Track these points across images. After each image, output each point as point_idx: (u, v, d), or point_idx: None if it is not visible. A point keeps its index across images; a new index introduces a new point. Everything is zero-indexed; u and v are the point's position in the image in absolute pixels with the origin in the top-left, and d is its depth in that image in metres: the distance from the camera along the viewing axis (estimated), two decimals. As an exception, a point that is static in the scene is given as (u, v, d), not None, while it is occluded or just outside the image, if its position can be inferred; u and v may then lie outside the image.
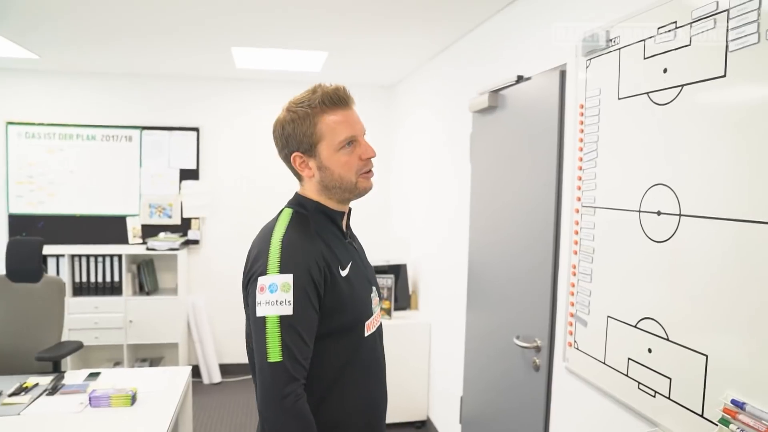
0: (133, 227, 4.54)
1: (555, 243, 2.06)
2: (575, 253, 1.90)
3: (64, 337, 3.00)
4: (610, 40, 1.68)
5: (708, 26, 1.30)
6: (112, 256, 4.27)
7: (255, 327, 1.19)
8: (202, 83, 4.63)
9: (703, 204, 1.32)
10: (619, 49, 1.64)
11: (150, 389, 2.39)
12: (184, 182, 4.62)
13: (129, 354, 4.29)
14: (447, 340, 3.37)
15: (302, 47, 3.46)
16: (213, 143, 4.68)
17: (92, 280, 4.25)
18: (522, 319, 2.30)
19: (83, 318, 4.14)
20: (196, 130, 4.63)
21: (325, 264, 1.23)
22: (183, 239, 4.52)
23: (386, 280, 3.72)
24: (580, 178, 1.87)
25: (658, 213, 1.47)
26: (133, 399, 2.26)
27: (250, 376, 4.70)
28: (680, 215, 1.39)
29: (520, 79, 2.33)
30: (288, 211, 1.32)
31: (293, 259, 1.19)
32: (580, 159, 1.87)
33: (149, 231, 4.54)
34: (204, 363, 4.58)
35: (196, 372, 4.49)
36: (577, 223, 1.89)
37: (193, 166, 4.64)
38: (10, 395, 2.28)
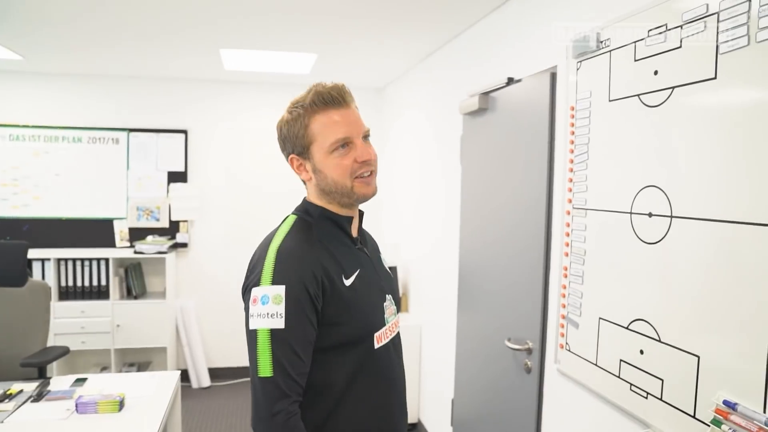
0: (121, 230, 4.49)
1: (546, 245, 2.06)
2: (566, 254, 1.90)
3: (50, 342, 2.95)
4: (601, 42, 1.69)
5: (698, 29, 1.31)
6: (99, 260, 4.21)
7: (248, 340, 1.14)
8: (190, 85, 4.59)
9: (695, 206, 1.32)
10: (610, 51, 1.65)
11: (138, 394, 2.36)
12: (172, 185, 4.58)
13: (116, 359, 4.23)
14: (438, 343, 3.36)
15: (291, 49, 3.44)
16: (201, 145, 4.65)
17: (79, 284, 4.19)
18: (513, 321, 2.30)
19: (69, 322, 4.08)
20: (184, 132, 4.60)
21: (323, 274, 1.16)
22: (171, 242, 4.48)
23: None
24: (571, 180, 1.87)
25: (650, 215, 1.48)
26: (121, 405, 2.22)
27: (240, 380, 4.65)
28: (671, 217, 1.40)
29: (510, 81, 2.33)
30: (292, 218, 1.28)
31: (287, 270, 1.14)
32: (571, 161, 1.87)
33: (137, 234, 4.50)
34: (193, 367, 4.54)
35: (184, 376, 4.44)
36: (568, 225, 1.89)
37: (182, 169, 4.60)
38: (-6, 402, 2.24)
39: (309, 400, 1.16)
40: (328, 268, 1.18)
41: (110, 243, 4.47)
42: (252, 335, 1.12)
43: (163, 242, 4.40)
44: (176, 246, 4.57)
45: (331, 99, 1.20)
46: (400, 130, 4.26)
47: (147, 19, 2.83)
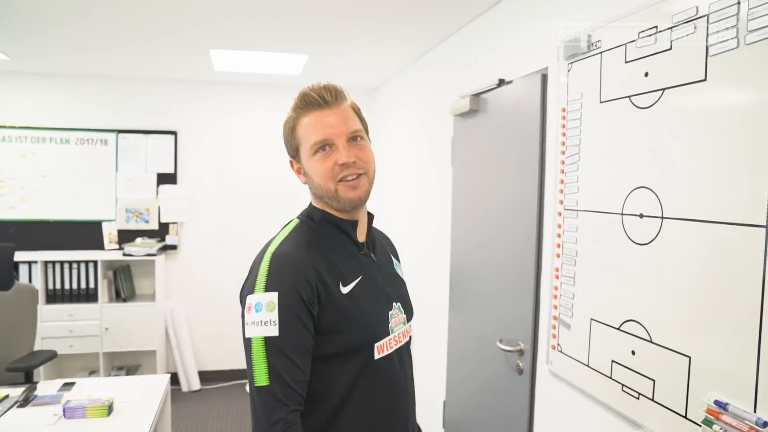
0: (109, 232, 4.45)
1: (538, 246, 2.06)
2: (558, 256, 1.91)
3: (37, 346, 2.92)
4: (592, 44, 1.70)
5: (688, 31, 1.32)
6: (87, 262, 4.16)
7: (244, 348, 1.11)
8: (180, 86, 4.56)
9: (685, 207, 1.33)
10: (601, 52, 1.66)
11: (127, 398, 2.33)
12: (161, 186, 4.54)
13: (105, 362, 4.18)
14: (429, 344, 3.36)
15: (282, 50, 3.43)
16: (191, 147, 4.61)
17: (66, 287, 4.14)
18: (505, 323, 2.30)
19: (57, 326, 4.03)
20: (174, 133, 4.56)
21: (318, 280, 1.12)
22: (161, 244, 4.44)
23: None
24: (562, 182, 1.88)
25: (641, 216, 1.48)
26: (110, 409, 2.20)
27: (230, 383, 4.61)
28: (662, 218, 1.40)
29: (501, 82, 2.34)
30: (294, 222, 1.25)
31: (280, 276, 1.10)
32: (563, 162, 1.87)
33: (126, 236, 4.45)
34: (183, 370, 4.50)
35: (174, 380, 4.40)
36: (559, 226, 1.90)
37: (171, 170, 4.57)
38: (-20, 407, 2.20)
39: (306, 409, 1.13)
40: (324, 274, 1.13)
41: (99, 245, 4.42)
42: (247, 344, 1.09)
43: (153, 244, 4.36)
44: (166, 248, 4.54)
45: (312, 101, 1.17)
46: (392, 131, 4.26)
47: (136, 19, 2.81)
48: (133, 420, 2.16)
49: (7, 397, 2.32)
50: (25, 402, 2.29)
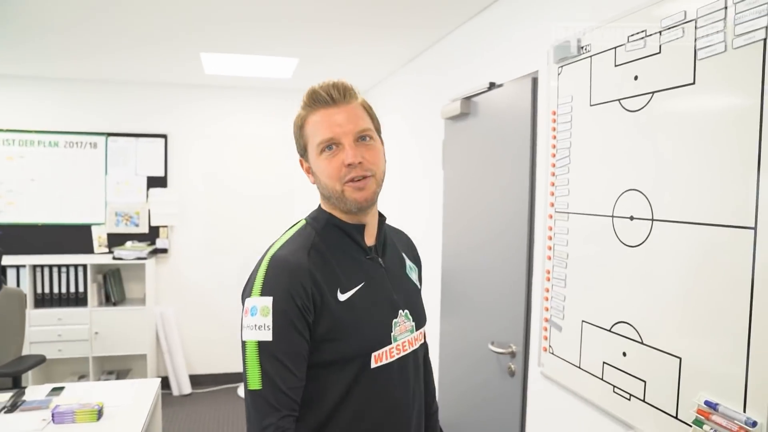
0: (99, 236, 4.41)
1: (529, 249, 2.07)
2: (549, 258, 1.92)
3: (25, 351, 2.89)
4: (582, 48, 1.71)
5: (677, 35, 1.33)
6: (76, 266, 4.13)
7: (241, 352, 1.09)
8: (170, 89, 4.54)
9: (675, 209, 1.34)
10: (591, 56, 1.67)
11: (117, 403, 2.31)
12: (151, 190, 4.52)
13: (95, 367, 4.14)
14: (421, 347, 3.36)
15: (273, 53, 3.43)
16: (182, 150, 4.59)
17: (55, 291, 4.10)
18: (497, 325, 2.31)
19: (46, 330, 3.99)
20: (164, 136, 4.54)
21: (314, 286, 1.09)
22: (151, 248, 4.41)
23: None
24: (553, 184, 1.89)
25: (631, 218, 1.49)
26: (100, 414, 2.17)
27: (221, 387, 4.57)
28: (653, 220, 1.41)
29: (492, 86, 2.35)
30: (300, 223, 1.22)
31: (275, 281, 1.08)
32: (553, 165, 1.89)
33: (116, 240, 4.42)
34: (173, 374, 4.47)
35: (165, 383, 4.37)
36: (550, 229, 1.91)
37: (161, 174, 4.54)
38: (-33, 414, 2.17)
39: (300, 413, 1.11)
40: (321, 280, 1.10)
41: (88, 249, 4.38)
42: (243, 347, 1.08)
43: (143, 248, 4.33)
44: (156, 252, 4.51)
45: (321, 98, 1.14)
46: (383, 134, 4.26)
47: (126, 23, 2.79)
48: (123, 424, 2.14)
49: (-6, 402, 2.30)
50: (12, 407, 2.26)
